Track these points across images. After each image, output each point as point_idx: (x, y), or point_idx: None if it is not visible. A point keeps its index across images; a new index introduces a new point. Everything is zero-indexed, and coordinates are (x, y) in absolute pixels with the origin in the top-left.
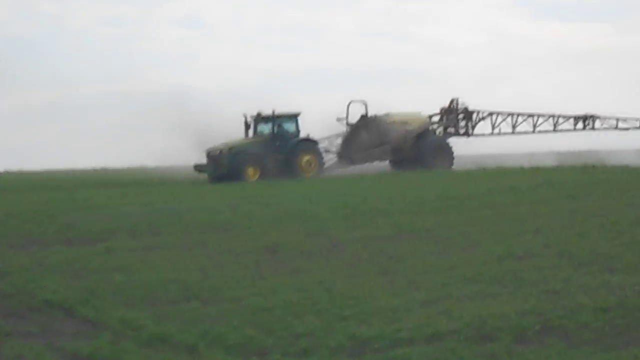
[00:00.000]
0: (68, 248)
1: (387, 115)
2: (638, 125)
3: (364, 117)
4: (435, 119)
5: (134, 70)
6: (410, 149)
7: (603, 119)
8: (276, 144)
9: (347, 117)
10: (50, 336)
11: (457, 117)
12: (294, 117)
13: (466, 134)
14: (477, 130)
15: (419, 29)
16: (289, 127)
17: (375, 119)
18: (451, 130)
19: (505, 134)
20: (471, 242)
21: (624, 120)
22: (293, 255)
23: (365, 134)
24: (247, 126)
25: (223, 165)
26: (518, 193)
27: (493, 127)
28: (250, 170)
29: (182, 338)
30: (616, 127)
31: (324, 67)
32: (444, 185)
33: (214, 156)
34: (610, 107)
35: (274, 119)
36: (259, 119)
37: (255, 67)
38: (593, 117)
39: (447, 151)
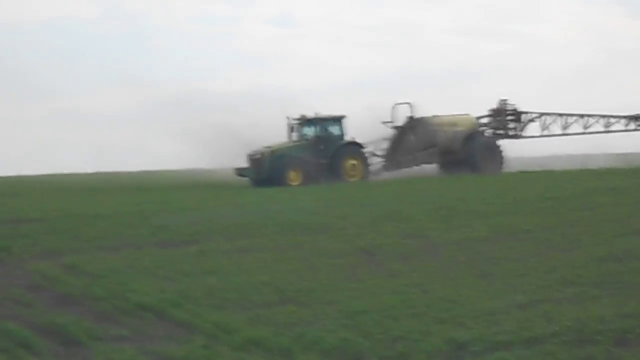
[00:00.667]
0: (161, 250)
1: (434, 117)
2: None
3: (410, 120)
4: (485, 120)
5: (222, 70)
6: (458, 152)
7: None
8: (320, 147)
9: (392, 119)
10: (142, 340)
11: (506, 119)
12: (338, 120)
13: (515, 135)
14: (526, 132)
15: (516, 26)
16: (334, 130)
17: (422, 121)
18: (500, 131)
19: (555, 135)
20: (571, 244)
21: None
22: (389, 258)
23: (412, 137)
24: (291, 129)
25: (264, 169)
26: (618, 194)
27: (543, 129)
28: (292, 174)
29: (277, 342)
30: None
31: (418, 65)
32: (540, 186)
33: (255, 159)
34: None
35: (318, 121)
36: (303, 121)
37: (349, 65)
38: None
39: (497, 153)
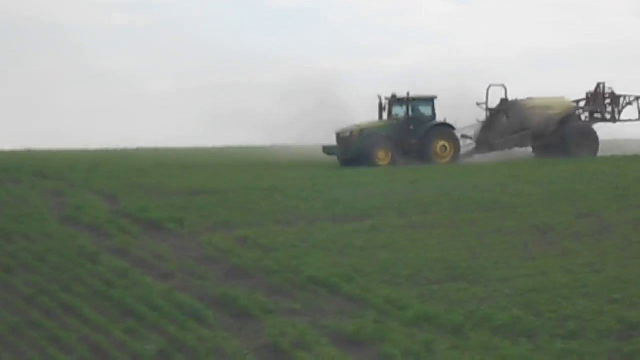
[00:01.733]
0: (334, 225)
1: (528, 99)
2: None
3: (503, 102)
4: (581, 104)
5: (397, 45)
6: (552, 135)
7: None
8: (410, 127)
9: (486, 101)
10: (313, 314)
11: (603, 102)
12: (430, 101)
13: (613, 119)
14: (623, 116)
15: None
16: (425, 110)
17: (515, 103)
18: (598, 115)
19: None
20: None
21: None
22: (563, 236)
23: (505, 120)
24: (381, 108)
25: (352, 148)
26: None
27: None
28: (380, 154)
29: (448, 318)
30: None
31: (590, 45)
32: None
33: (343, 138)
34: None
35: (409, 101)
36: (394, 101)
37: (520, 44)
38: None
39: (592, 137)
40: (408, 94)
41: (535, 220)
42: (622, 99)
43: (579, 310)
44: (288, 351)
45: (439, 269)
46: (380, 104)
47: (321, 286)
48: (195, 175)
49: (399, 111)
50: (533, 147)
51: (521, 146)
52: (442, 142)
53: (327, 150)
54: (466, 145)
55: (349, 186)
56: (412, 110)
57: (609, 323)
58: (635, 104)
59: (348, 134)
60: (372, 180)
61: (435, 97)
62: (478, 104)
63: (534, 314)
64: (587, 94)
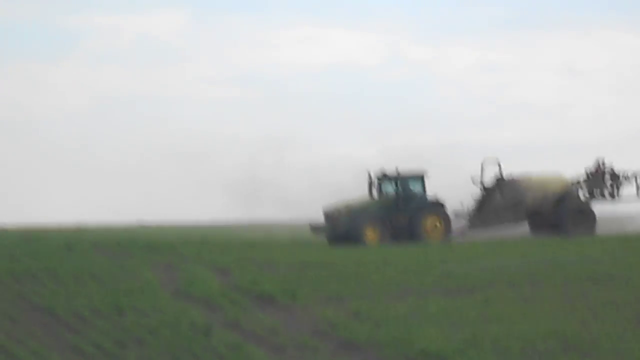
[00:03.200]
0: (446, 298)
1: (524, 176)
2: None
3: (498, 179)
4: (580, 180)
5: (497, 119)
6: (548, 214)
7: None
8: (399, 205)
9: (481, 177)
10: None
11: (603, 180)
12: (419, 177)
13: (612, 196)
14: (623, 193)
15: None
16: (414, 187)
17: (510, 180)
18: (597, 193)
19: None
20: None
21: None
22: None
23: (499, 196)
24: (371, 185)
25: (340, 226)
26: None
27: (638, 189)
28: (369, 232)
29: None
30: None
31: None
32: None
33: (331, 216)
34: None
35: (398, 178)
36: (383, 178)
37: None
38: None
39: (590, 216)
40: (397, 170)
41: None
42: (621, 176)
43: None
44: None
45: (552, 342)
46: (370, 181)
47: (433, 359)
48: (306, 249)
49: (388, 188)
50: (530, 225)
51: (514, 223)
52: (433, 219)
53: (313, 228)
54: (457, 223)
55: (461, 259)
56: (402, 187)
57: None
58: (634, 181)
59: (335, 211)
60: (483, 252)
61: (425, 173)
62: (472, 179)
63: None
64: (587, 171)
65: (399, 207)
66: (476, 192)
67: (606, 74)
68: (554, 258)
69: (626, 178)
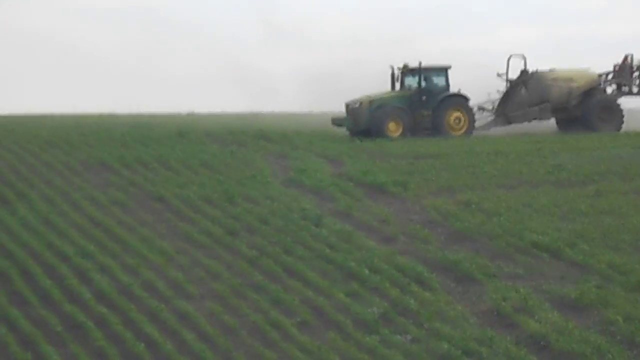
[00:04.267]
0: (557, 189)
1: (550, 71)
2: None
3: (523, 73)
4: (609, 76)
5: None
6: (574, 108)
7: None
8: (422, 98)
9: (507, 72)
10: (536, 278)
11: (631, 75)
12: (443, 71)
13: None
14: None
15: None
16: (438, 80)
17: (535, 74)
18: (625, 88)
19: None
20: None
21: None
22: None
23: (524, 91)
24: (393, 78)
25: (362, 120)
26: None
27: None
28: (391, 126)
29: None
30: None
31: None
32: None
33: (353, 109)
34: None
35: (421, 71)
36: (406, 71)
37: None
38: None
39: (616, 112)
40: (420, 63)
41: None
42: None
43: None
44: (510, 316)
45: None
46: (393, 74)
47: (544, 251)
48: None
49: (412, 82)
50: (557, 121)
51: (540, 119)
52: (456, 114)
53: (335, 121)
54: (483, 118)
55: (573, 151)
56: (425, 81)
57: None
58: None
59: (357, 104)
60: (596, 145)
61: (449, 67)
62: (498, 75)
63: None
64: (614, 66)
65: (422, 101)
66: (502, 87)
67: None
68: None
69: None
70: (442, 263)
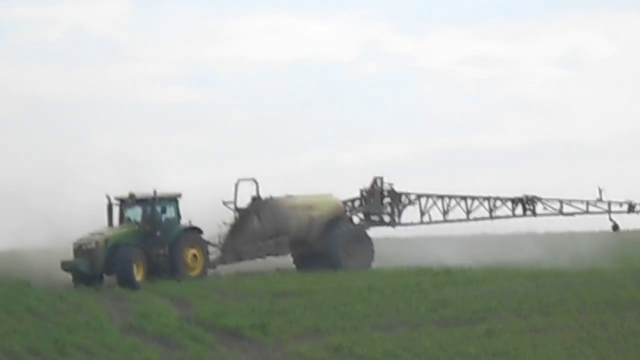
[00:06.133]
0: (442, 329)
1: (286, 197)
2: (585, 208)
3: (255, 200)
4: (355, 203)
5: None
6: (316, 242)
7: (545, 201)
8: (156, 233)
9: (235, 199)
10: None
11: (381, 201)
12: (174, 200)
13: (392, 222)
14: (403, 219)
15: None
16: (170, 212)
17: (270, 202)
18: (375, 217)
19: (436, 222)
20: None
21: (569, 202)
22: None
23: (258, 222)
24: (110, 210)
25: (100, 262)
26: None
27: (422, 213)
28: (136, 268)
29: None
30: (560, 212)
31: None
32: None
33: (88, 250)
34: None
35: (152, 202)
36: (132, 201)
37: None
38: (534, 200)
39: (366, 244)
40: (155, 192)
41: None
42: (403, 197)
43: None
44: None
45: None
46: (110, 205)
47: None
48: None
49: (134, 214)
50: (294, 257)
51: (277, 254)
52: (192, 251)
53: (66, 266)
54: (211, 254)
55: (459, 284)
56: (155, 213)
57: None
58: (417, 204)
59: (93, 244)
60: (485, 276)
61: (180, 195)
62: (224, 203)
63: None
64: (362, 191)
65: (156, 237)
66: (230, 216)
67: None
68: (568, 282)
69: (409, 200)
70: None
